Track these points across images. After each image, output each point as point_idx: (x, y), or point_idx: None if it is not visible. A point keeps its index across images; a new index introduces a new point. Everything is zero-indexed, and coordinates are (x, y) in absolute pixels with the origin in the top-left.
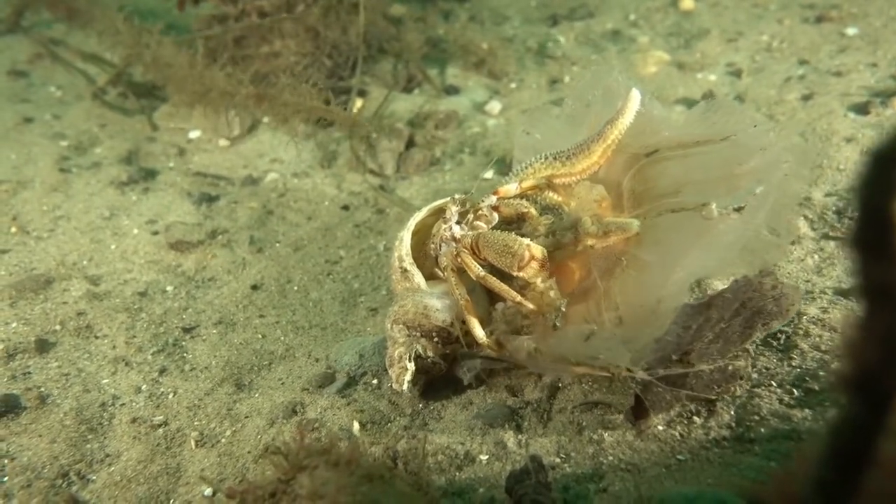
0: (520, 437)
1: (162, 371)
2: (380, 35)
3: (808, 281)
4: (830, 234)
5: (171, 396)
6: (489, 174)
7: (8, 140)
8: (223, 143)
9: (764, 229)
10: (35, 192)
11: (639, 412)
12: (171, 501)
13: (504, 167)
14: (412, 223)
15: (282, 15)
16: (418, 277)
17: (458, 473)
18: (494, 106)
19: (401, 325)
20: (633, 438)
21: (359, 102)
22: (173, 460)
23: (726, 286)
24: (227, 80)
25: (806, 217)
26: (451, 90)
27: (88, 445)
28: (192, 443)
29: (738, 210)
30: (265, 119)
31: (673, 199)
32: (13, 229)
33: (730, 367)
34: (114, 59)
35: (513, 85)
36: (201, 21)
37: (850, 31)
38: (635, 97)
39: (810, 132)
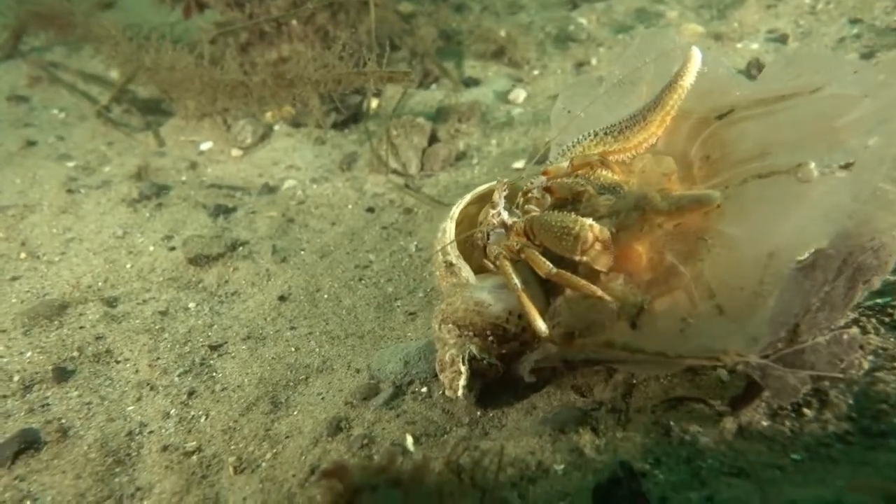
0: (597, 441)
1: (191, 393)
2: (391, 31)
3: None
4: None
5: (203, 420)
6: (521, 164)
7: (12, 165)
8: (236, 152)
9: (887, 185)
10: (43, 216)
11: (741, 401)
12: None
13: (541, 157)
14: (455, 211)
15: (291, 21)
16: (466, 271)
17: (531, 487)
18: (519, 94)
19: (450, 325)
20: (733, 438)
21: (374, 102)
22: (211, 490)
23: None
24: (239, 70)
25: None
26: (471, 82)
27: (117, 479)
28: (231, 469)
29: (846, 167)
30: (276, 126)
31: (759, 163)
32: (22, 255)
33: (844, 336)
34: (115, 77)
35: (535, 72)
36: (206, 31)
37: None
38: (696, 56)
39: None
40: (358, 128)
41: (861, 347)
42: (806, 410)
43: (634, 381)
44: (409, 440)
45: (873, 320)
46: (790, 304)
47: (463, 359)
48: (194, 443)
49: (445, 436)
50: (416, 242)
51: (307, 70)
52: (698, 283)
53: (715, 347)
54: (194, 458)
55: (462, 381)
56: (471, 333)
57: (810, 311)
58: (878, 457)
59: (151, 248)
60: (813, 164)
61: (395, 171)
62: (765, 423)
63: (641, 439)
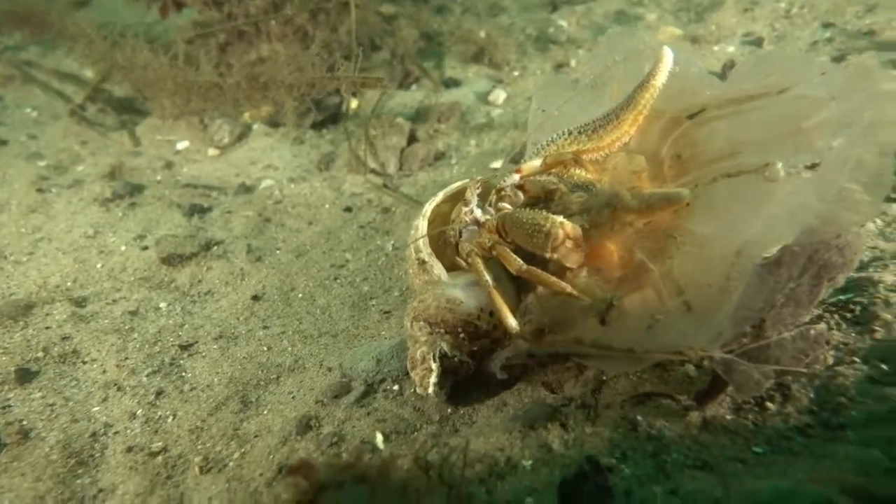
0: (566, 437)
1: (159, 393)
2: (372, 32)
3: (873, 247)
4: (892, 195)
5: (170, 420)
6: (499, 164)
7: None
8: (213, 152)
9: (852, 185)
10: (11, 215)
11: (706, 396)
12: None
13: (517, 156)
14: (428, 209)
15: (271, 22)
16: (438, 268)
17: (499, 483)
18: (499, 95)
19: (421, 323)
20: (698, 432)
21: (354, 103)
22: (176, 490)
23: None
24: (214, 71)
25: (859, 179)
26: (451, 83)
27: (79, 481)
28: (197, 469)
29: (812, 168)
30: (254, 126)
31: (728, 163)
32: None
33: (811, 332)
34: (90, 76)
35: (515, 73)
36: (183, 30)
37: None
38: (667, 55)
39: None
40: (337, 128)
41: (828, 343)
42: (769, 404)
43: (604, 378)
44: (379, 438)
45: (836, 316)
46: (753, 300)
47: (434, 356)
48: (160, 443)
49: (416, 433)
50: (393, 241)
51: (281, 73)
52: (667, 280)
53: (681, 344)
54: (159, 458)
55: (433, 379)
56: (442, 331)
57: (775, 307)
58: (837, 449)
59: (123, 248)
60: (780, 165)
61: (373, 171)
62: (729, 417)
63: (609, 434)
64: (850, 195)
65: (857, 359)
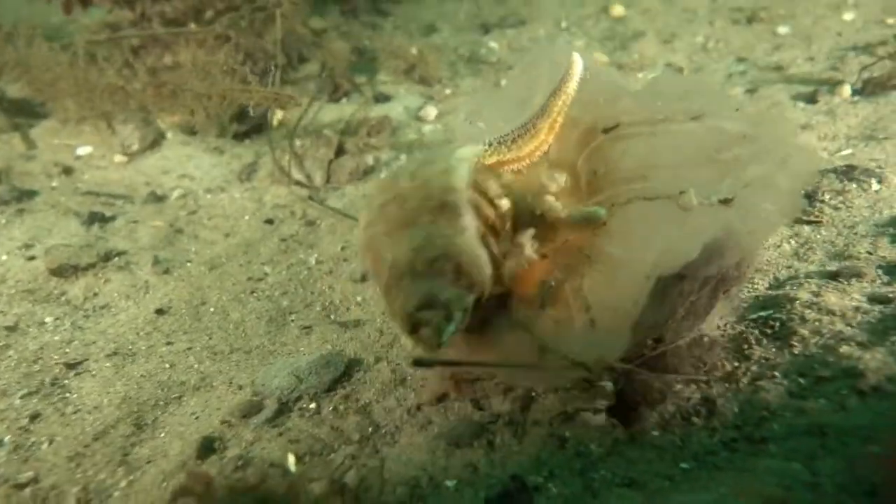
0: (492, 456)
1: (34, 417)
2: (300, 43)
3: (789, 267)
4: (804, 218)
5: (44, 447)
6: None
7: None
8: (120, 158)
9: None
10: None
11: (624, 411)
12: None
13: None
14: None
15: (189, 25)
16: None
17: None
18: (430, 111)
19: None
20: (625, 448)
21: (279, 114)
22: None
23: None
24: (117, 74)
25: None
26: (382, 98)
27: None
28: (73, 500)
29: (726, 202)
30: (169, 133)
31: (641, 185)
32: None
33: (705, 339)
34: None
35: (447, 90)
36: (90, 30)
37: (782, 29)
38: (577, 63)
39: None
40: (260, 138)
41: (723, 349)
42: (695, 419)
43: (533, 395)
44: (291, 460)
45: (756, 332)
46: (655, 316)
47: None
48: (30, 473)
49: (333, 454)
50: (316, 255)
51: (190, 81)
52: (577, 296)
53: (582, 356)
54: (27, 490)
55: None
56: None
57: (675, 319)
58: (759, 463)
59: (4, 258)
60: (693, 193)
61: (298, 183)
62: (656, 433)
63: (537, 452)
64: (768, 216)
65: (777, 373)
